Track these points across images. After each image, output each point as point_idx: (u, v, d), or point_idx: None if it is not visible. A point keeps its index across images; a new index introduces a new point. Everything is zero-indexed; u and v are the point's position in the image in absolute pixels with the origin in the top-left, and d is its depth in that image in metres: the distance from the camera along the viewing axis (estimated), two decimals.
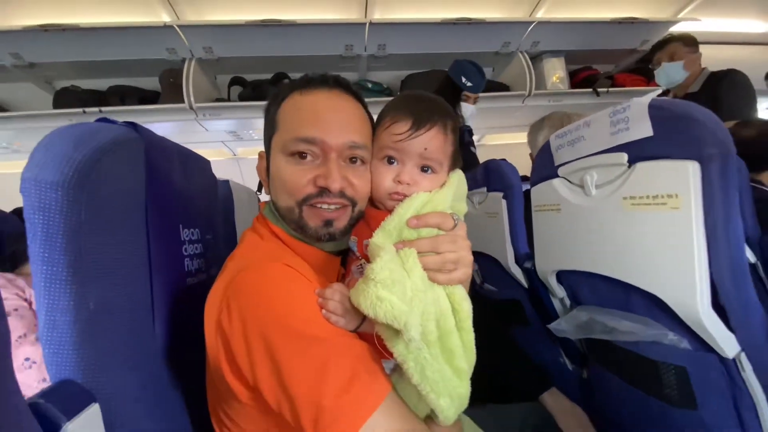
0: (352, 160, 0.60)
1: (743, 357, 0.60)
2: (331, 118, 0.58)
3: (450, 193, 0.59)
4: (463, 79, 1.79)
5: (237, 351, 0.47)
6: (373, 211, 0.62)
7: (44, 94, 2.23)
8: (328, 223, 0.59)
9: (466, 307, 0.54)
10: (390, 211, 0.56)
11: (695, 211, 0.56)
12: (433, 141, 0.58)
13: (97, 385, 0.43)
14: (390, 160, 0.60)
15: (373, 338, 0.50)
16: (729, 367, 0.62)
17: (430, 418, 0.52)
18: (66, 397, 0.39)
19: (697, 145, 0.56)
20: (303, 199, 0.58)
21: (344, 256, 0.68)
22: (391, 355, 0.47)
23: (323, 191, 0.57)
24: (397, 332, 0.45)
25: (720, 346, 0.59)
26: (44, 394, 0.38)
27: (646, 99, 0.62)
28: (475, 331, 1.32)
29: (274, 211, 0.63)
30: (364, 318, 0.51)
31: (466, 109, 1.86)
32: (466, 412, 0.72)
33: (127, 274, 0.51)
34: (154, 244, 0.55)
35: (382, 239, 0.53)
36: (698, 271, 0.56)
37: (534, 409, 1.00)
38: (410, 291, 0.46)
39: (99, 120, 0.52)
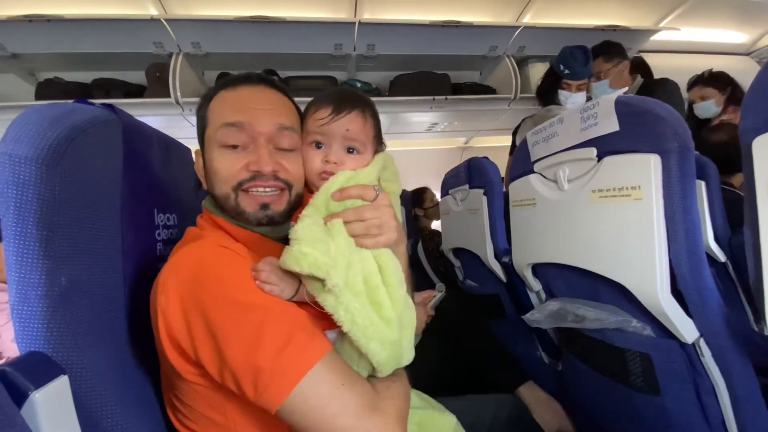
0: (283, 148, 0.62)
1: (702, 342, 0.63)
2: (257, 106, 0.61)
3: (374, 170, 0.64)
4: (561, 67, 1.74)
5: (177, 328, 0.48)
6: (309, 195, 0.65)
7: (27, 86, 2.19)
8: (265, 206, 0.61)
9: (392, 265, 0.58)
10: None
11: (656, 202, 0.59)
12: (354, 123, 0.63)
13: (66, 359, 0.44)
14: (318, 145, 0.64)
15: (312, 309, 0.53)
16: (689, 352, 0.65)
17: (373, 377, 0.56)
18: (34, 367, 0.39)
19: (659, 139, 0.59)
20: (237, 185, 0.60)
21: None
22: (323, 309, 0.51)
23: (256, 175, 0.59)
24: (324, 284, 0.48)
25: (679, 332, 0.62)
26: (12, 363, 0.38)
27: (614, 95, 0.65)
28: (457, 325, 1.32)
29: (214, 203, 0.65)
30: (298, 287, 0.54)
31: (565, 97, 1.78)
32: (442, 401, 0.75)
33: (100, 253, 0.51)
34: (127, 225, 0.56)
35: (310, 212, 0.57)
36: (658, 258, 0.59)
37: (509, 401, 1.02)
38: (333, 250, 0.50)
39: (77, 101, 0.53)
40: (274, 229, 0.64)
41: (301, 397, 0.45)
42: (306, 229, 0.51)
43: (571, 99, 1.77)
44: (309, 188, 0.66)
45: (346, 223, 0.55)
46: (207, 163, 0.63)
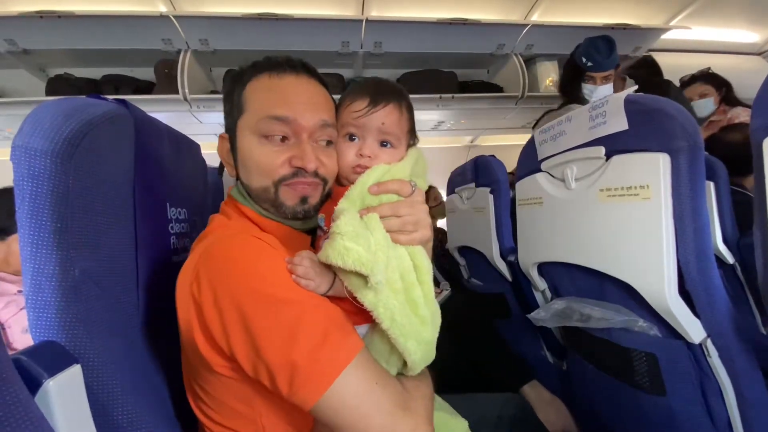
0: (322, 141, 0.62)
1: (709, 343, 0.62)
2: (302, 100, 0.60)
3: (408, 165, 0.63)
4: (583, 59, 1.64)
5: (210, 320, 0.48)
6: (338, 188, 0.65)
7: (37, 81, 2.21)
8: (304, 199, 0.61)
9: (426, 264, 0.58)
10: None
11: (665, 201, 0.59)
12: (390, 116, 0.63)
13: (79, 349, 0.44)
14: (351, 137, 0.64)
15: (344, 303, 0.53)
16: (696, 353, 0.64)
17: (402, 374, 0.56)
18: (48, 356, 0.40)
19: (668, 137, 0.59)
20: (279, 180, 0.59)
21: (313, 236, 0.70)
22: (362, 305, 0.50)
23: (298, 171, 0.59)
24: (365, 281, 0.48)
25: (686, 332, 0.62)
26: (26, 352, 0.39)
27: (623, 94, 0.64)
28: (461, 324, 1.32)
29: (244, 193, 0.64)
30: (333, 282, 0.54)
31: (590, 91, 1.68)
32: (446, 398, 0.75)
33: (113, 246, 0.52)
34: (140, 218, 0.56)
35: (346, 205, 0.56)
36: (666, 258, 0.59)
37: (515, 400, 1.02)
38: (373, 245, 0.50)
39: (90, 96, 0.54)
40: (303, 222, 0.64)
41: (336, 396, 0.45)
42: (347, 223, 0.50)
43: (596, 93, 1.66)
44: (338, 181, 0.67)
45: (381, 217, 0.55)
46: (241, 151, 0.62)
